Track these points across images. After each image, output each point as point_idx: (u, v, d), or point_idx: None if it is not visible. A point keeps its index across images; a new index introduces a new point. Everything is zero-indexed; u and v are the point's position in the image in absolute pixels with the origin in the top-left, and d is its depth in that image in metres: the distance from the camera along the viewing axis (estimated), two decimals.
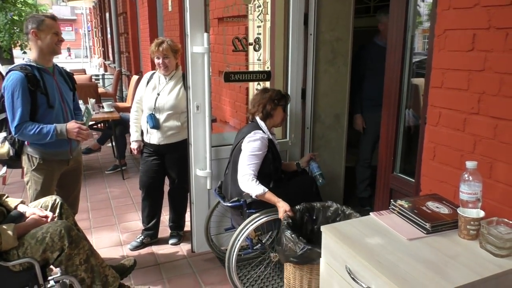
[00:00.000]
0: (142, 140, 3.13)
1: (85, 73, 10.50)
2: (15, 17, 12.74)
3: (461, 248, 1.40)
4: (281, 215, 2.36)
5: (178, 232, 3.36)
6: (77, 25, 33.70)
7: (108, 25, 13.35)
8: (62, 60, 26.49)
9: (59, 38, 2.47)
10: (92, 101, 5.87)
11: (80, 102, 5.78)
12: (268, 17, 3.05)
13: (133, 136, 3.15)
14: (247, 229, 2.51)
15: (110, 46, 13.75)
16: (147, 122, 3.00)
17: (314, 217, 2.23)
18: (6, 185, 4.65)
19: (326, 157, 3.46)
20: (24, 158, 2.54)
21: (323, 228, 1.56)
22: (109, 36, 13.58)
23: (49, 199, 2.35)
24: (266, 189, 2.39)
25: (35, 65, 2.45)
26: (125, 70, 10.54)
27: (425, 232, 1.47)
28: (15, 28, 12.59)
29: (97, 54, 22.32)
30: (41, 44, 2.43)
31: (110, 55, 13.86)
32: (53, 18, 2.48)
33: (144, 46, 8.66)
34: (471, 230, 1.42)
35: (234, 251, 2.53)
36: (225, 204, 2.64)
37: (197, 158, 2.82)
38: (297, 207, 2.20)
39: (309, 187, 2.68)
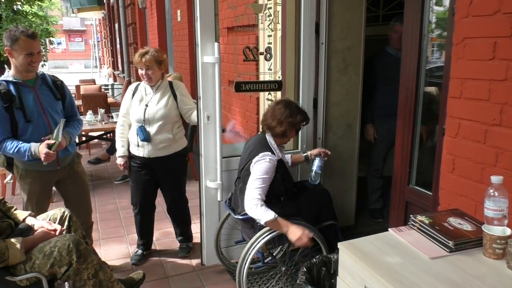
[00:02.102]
0: (129, 153, 3.01)
1: (95, 83, 10.57)
2: None
3: (486, 268, 1.33)
4: (296, 241, 2.25)
5: (188, 244, 3.30)
6: (86, 36, 34.08)
7: (117, 36, 13.48)
8: (74, 70, 26.80)
9: (32, 59, 2.41)
10: (101, 111, 5.88)
11: (89, 112, 5.84)
12: (279, 26, 3.02)
13: (119, 151, 3.02)
14: (258, 242, 2.44)
15: (119, 56, 13.87)
16: (137, 135, 2.89)
17: (332, 271, 2.03)
18: (15, 195, 4.64)
19: (338, 168, 3.40)
20: (14, 168, 2.62)
21: (340, 245, 1.50)
22: (118, 46, 13.70)
23: (57, 212, 2.32)
24: (276, 215, 2.26)
25: (11, 79, 2.43)
26: (134, 80, 10.60)
27: (448, 250, 1.40)
28: None
29: (106, 64, 22.53)
30: (15, 62, 2.41)
31: (119, 65, 13.97)
32: (30, 36, 2.37)
33: None
34: (497, 249, 1.35)
35: (245, 265, 2.46)
36: (236, 217, 2.58)
37: (208, 169, 2.77)
38: (313, 260, 1.99)
39: (322, 200, 2.62)
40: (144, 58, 2.81)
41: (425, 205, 2.21)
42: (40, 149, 2.39)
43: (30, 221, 2.22)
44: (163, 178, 3.04)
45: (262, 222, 2.30)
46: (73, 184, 2.80)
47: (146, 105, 2.90)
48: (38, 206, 2.63)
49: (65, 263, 1.98)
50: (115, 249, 3.40)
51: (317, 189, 2.72)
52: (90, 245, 2.42)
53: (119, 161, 3.05)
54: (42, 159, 2.38)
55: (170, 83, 2.98)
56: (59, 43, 33.84)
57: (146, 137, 2.87)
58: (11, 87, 2.42)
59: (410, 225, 1.59)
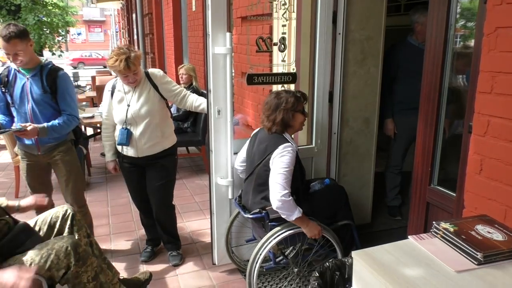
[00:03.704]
0: (118, 154, 2.89)
1: (111, 74, 10.57)
2: (45, 18, 12.99)
3: None
4: (311, 236, 2.28)
5: (178, 251, 3.11)
6: (106, 26, 34.34)
7: (134, 26, 13.44)
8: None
9: (13, 57, 2.55)
10: None
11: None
12: (294, 15, 2.87)
13: (107, 156, 2.91)
14: (269, 242, 2.34)
15: (136, 47, 13.85)
16: (118, 137, 2.76)
17: (346, 276, 1.91)
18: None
19: (354, 164, 3.27)
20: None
21: (354, 254, 1.38)
22: (135, 37, 13.68)
23: (60, 210, 2.26)
24: (301, 211, 2.22)
25: (15, 67, 2.68)
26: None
27: (476, 263, 1.26)
28: (44, 29, 12.83)
29: None
30: None
31: (137, 49, 13.95)
32: (6, 39, 2.47)
33: (168, 46, 8.62)
34: None
35: (255, 266, 2.37)
36: (246, 215, 2.48)
37: (218, 166, 2.67)
38: (326, 264, 1.87)
39: (337, 199, 2.50)
40: (128, 64, 2.56)
41: (448, 207, 2.06)
42: None
43: (23, 202, 2.28)
44: (151, 177, 2.88)
45: (292, 218, 2.20)
46: (56, 171, 2.91)
47: (128, 105, 2.71)
48: (32, 187, 2.87)
49: (63, 266, 1.91)
50: (125, 244, 3.34)
51: (333, 187, 2.60)
52: (96, 243, 2.34)
53: (109, 166, 2.95)
54: None
55: (147, 74, 2.78)
56: (79, 34, 34.21)
57: (126, 141, 2.72)
58: (11, 73, 2.68)
59: (433, 233, 1.45)
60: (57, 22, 13.28)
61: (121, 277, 2.41)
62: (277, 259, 2.68)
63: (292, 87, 2.89)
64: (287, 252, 2.75)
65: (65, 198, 2.97)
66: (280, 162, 2.24)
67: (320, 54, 2.80)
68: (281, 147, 2.27)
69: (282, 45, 2.79)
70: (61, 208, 2.27)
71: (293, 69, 2.88)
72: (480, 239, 1.33)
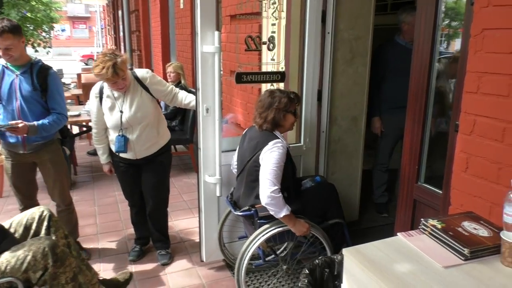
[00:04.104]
0: (112, 155, 2.87)
1: None
2: (28, 14, 12.76)
3: (506, 278, 1.23)
4: (299, 234, 2.31)
5: (167, 250, 3.09)
6: (91, 22, 33.85)
7: (120, 23, 13.29)
8: (78, 58, 26.64)
9: (3, 52, 2.53)
10: None
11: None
12: (284, 14, 2.88)
13: (102, 159, 2.89)
14: (258, 240, 2.36)
15: (122, 44, 13.70)
16: (115, 144, 2.72)
17: (336, 273, 1.93)
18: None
19: (342, 162, 3.30)
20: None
21: (344, 251, 1.40)
22: (121, 34, 13.52)
23: (36, 211, 2.21)
24: (290, 209, 2.23)
25: (3, 63, 2.64)
26: (136, 68, 10.47)
27: (463, 258, 1.29)
28: (27, 25, 12.60)
29: None
30: None
31: (122, 53, 13.81)
32: None
33: (155, 44, 8.55)
34: None
35: (243, 262, 2.39)
36: (236, 213, 2.49)
37: (206, 164, 2.67)
38: (316, 261, 1.89)
39: (328, 197, 2.52)
40: (116, 70, 2.47)
41: (434, 204, 2.10)
42: None
43: None
44: (148, 175, 2.87)
45: (280, 215, 2.21)
46: (43, 171, 2.86)
47: (121, 111, 2.66)
48: (17, 187, 2.83)
49: (40, 268, 1.88)
50: (112, 244, 3.32)
51: (324, 185, 2.63)
52: (74, 243, 2.30)
53: (105, 168, 2.94)
54: None
55: (136, 77, 2.70)
56: (63, 30, 33.67)
57: (123, 149, 2.70)
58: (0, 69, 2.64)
59: (421, 229, 1.48)
60: (41, 18, 13.06)
61: (101, 278, 2.39)
62: (268, 258, 2.69)
63: (281, 85, 2.90)
64: (279, 251, 2.77)
65: (52, 197, 2.95)
66: (270, 158, 2.25)
67: (309, 53, 2.82)
68: (271, 143, 2.28)
69: (271, 44, 2.80)
70: (37, 209, 2.22)
71: (282, 68, 2.90)
72: (467, 235, 1.37)
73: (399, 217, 2.34)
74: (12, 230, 2.16)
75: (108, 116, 2.70)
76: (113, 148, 2.79)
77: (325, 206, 2.51)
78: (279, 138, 2.33)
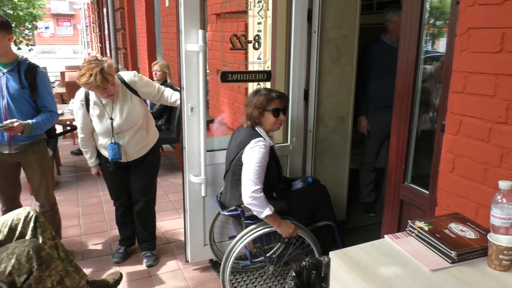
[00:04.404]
0: (100, 158, 2.82)
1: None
2: (10, 12, 12.49)
3: (492, 281, 1.21)
4: (285, 235, 2.28)
5: (152, 252, 3.05)
6: (75, 20, 33.31)
7: (105, 21, 13.10)
8: (62, 56, 26.26)
9: None
10: None
11: (73, 101, 5.63)
12: (269, 13, 2.85)
13: (90, 162, 2.83)
14: (243, 240, 2.33)
15: (107, 42, 13.51)
16: (108, 152, 2.67)
17: (323, 275, 1.92)
18: None
19: (329, 162, 3.28)
20: None
21: (331, 254, 1.37)
22: (106, 32, 13.34)
23: (22, 212, 2.14)
24: (273, 209, 2.20)
25: None
26: (122, 67, 10.32)
27: (450, 261, 1.28)
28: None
29: (94, 50, 22.02)
30: None
31: (108, 51, 13.60)
32: None
33: (141, 42, 8.44)
34: (504, 261, 1.23)
35: (228, 263, 2.37)
36: (223, 212, 2.47)
37: (191, 164, 2.63)
38: (303, 263, 1.87)
39: (317, 199, 2.48)
40: (104, 76, 2.40)
41: (421, 205, 2.09)
42: None
43: None
44: (137, 175, 2.84)
45: (263, 216, 2.18)
46: (29, 171, 2.80)
47: (111, 118, 2.61)
48: (0, 190, 2.78)
49: (25, 271, 1.83)
50: (96, 246, 3.25)
51: (315, 186, 2.59)
52: (62, 245, 2.25)
53: (93, 171, 2.89)
54: None
55: (123, 82, 2.64)
56: (47, 28, 33.10)
57: (118, 156, 2.65)
58: None
59: (408, 231, 1.46)
60: (24, 16, 12.80)
61: (90, 279, 2.34)
62: (254, 260, 2.66)
63: (268, 85, 2.87)
64: (269, 253, 2.73)
65: (36, 198, 2.90)
66: (251, 157, 2.23)
67: (295, 52, 2.79)
68: (252, 141, 2.26)
69: (257, 43, 2.77)
70: (23, 210, 2.16)
71: (268, 67, 2.86)
72: (454, 238, 1.35)
73: (386, 217, 2.33)
74: None
75: (98, 124, 2.63)
76: (105, 154, 2.73)
77: (314, 207, 2.48)
78: (261, 137, 2.31)
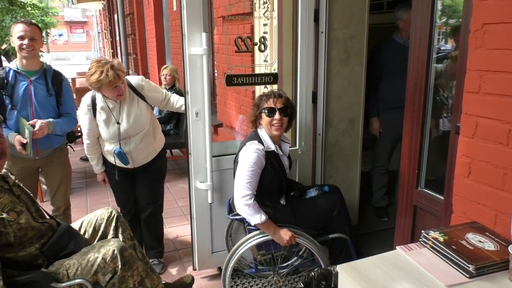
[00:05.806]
0: (106, 164, 2.78)
1: None
2: None
3: None
4: (282, 243, 2.20)
5: (160, 260, 2.99)
6: (88, 27, 33.74)
7: (116, 27, 13.20)
8: (75, 62, 26.61)
9: (23, 42, 2.50)
10: None
11: None
12: (275, 14, 2.78)
13: (96, 169, 2.80)
14: (244, 246, 2.27)
15: (118, 48, 13.61)
16: (115, 158, 2.63)
17: (333, 286, 1.83)
18: None
19: (340, 165, 3.19)
20: None
21: (339, 268, 1.29)
22: (117, 37, 13.44)
23: (105, 211, 2.20)
24: (267, 217, 2.12)
25: (14, 68, 2.58)
26: (133, 72, 10.36)
27: (467, 276, 1.18)
28: None
29: (107, 55, 22.26)
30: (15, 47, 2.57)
31: (119, 56, 13.71)
32: (25, 22, 2.55)
33: (150, 47, 8.46)
34: None
35: (228, 271, 2.31)
36: (228, 216, 2.41)
37: (197, 170, 2.56)
38: (312, 273, 1.78)
39: (329, 210, 2.33)
40: (116, 72, 2.36)
41: (436, 211, 1.99)
42: (15, 142, 2.51)
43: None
44: (144, 182, 2.81)
45: (252, 223, 2.12)
46: (49, 174, 2.84)
47: (118, 123, 2.56)
48: None
49: (109, 271, 1.84)
50: None
51: (329, 196, 2.39)
52: (139, 245, 2.30)
53: (99, 178, 2.86)
54: (18, 150, 2.52)
55: (131, 86, 2.60)
56: (60, 35, 33.59)
57: (125, 162, 2.63)
58: (10, 75, 2.57)
59: (422, 242, 1.37)
60: (36, 24, 13.01)
61: (163, 282, 2.33)
62: (259, 268, 2.57)
63: (275, 87, 2.80)
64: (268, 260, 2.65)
65: (54, 202, 2.91)
66: (244, 161, 2.18)
67: (302, 53, 2.71)
68: (247, 144, 2.23)
69: (263, 45, 2.69)
70: (105, 210, 2.20)
71: (275, 70, 2.79)
72: (472, 250, 1.26)
73: (399, 224, 2.23)
74: (82, 230, 2.16)
75: (104, 129, 2.59)
76: (111, 161, 2.69)
77: (325, 218, 2.33)
78: (257, 140, 2.25)
